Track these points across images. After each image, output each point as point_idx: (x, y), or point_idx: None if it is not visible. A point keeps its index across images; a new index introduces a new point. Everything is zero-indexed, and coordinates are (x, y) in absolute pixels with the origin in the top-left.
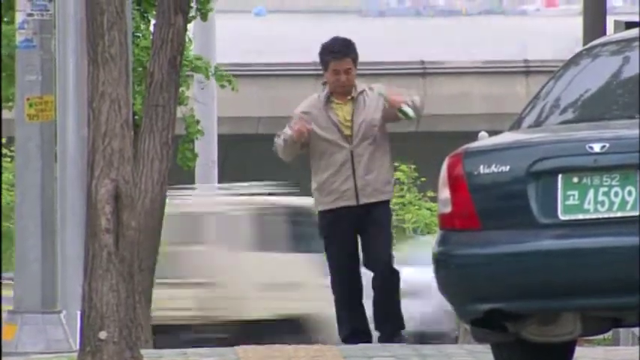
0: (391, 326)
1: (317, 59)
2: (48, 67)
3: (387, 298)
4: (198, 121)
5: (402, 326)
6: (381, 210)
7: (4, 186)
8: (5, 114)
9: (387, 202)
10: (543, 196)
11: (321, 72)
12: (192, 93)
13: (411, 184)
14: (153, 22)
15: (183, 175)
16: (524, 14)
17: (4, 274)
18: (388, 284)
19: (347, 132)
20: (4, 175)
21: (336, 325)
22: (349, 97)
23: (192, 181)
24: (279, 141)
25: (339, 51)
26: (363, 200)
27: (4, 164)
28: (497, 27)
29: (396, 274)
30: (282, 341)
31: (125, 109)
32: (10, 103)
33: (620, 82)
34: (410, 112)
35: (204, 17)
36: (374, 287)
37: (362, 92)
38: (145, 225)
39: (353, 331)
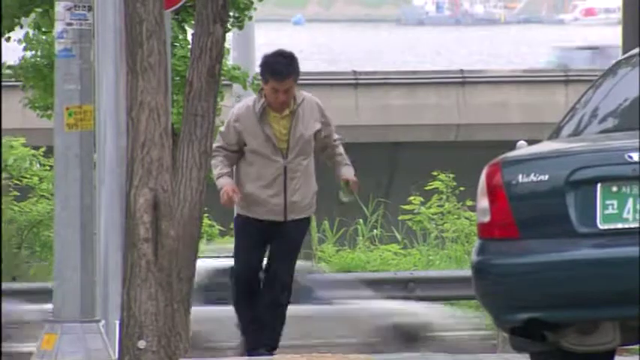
0: (266, 339)
1: (356, 68)
2: (87, 76)
3: (271, 313)
4: None
5: (274, 346)
6: (299, 226)
7: (44, 194)
8: (45, 123)
9: (309, 218)
10: (582, 205)
11: (359, 81)
12: (231, 103)
13: (449, 194)
14: (191, 31)
15: None
16: (562, 23)
17: (43, 284)
18: (277, 301)
19: (282, 145)
20: (44, 184)
21: (237, 317)
22: (287, 111)
23: None
24: (214, 171)
25: (280, 73)
26: (290, 217)
27: (44, 173)
28: (536, 36)
29: (287, 294)
30: None
31: (164, 117)
32: (49, 111)
33: None
34: (345, 199)
35: (240, 26)
36: (264, 300)
37: (300, 104)
38: (183, 234)
39: (253, 344)
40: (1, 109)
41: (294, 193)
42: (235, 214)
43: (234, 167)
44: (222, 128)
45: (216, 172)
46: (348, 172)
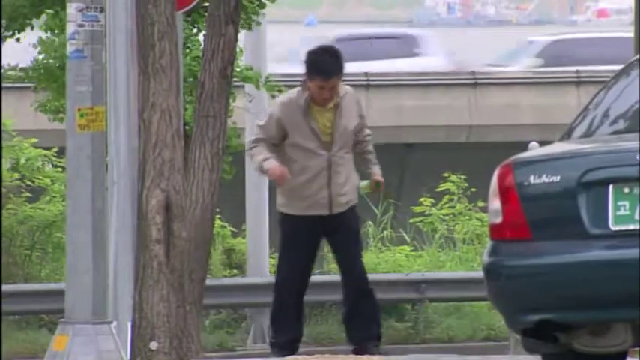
0: (371, 330)
1: (368, 69)
2: (99, 77)
3: (367, 304)
4: (239, 135)
5: (379, 334)
6: (350, 217)
7: (55, 196)
8: (56, 124)
9: (355, 206)
10: (594, 206)
11: (371, 82)
12: (243, 104)
13: (460, 195)
14: (202, 32)
15: (232, 183)
16: (574, 24)
17: (55, 285)
18: (367, 291)
19: (326, 139)
20: (56, 186)
21: (270, 326)
22: (331, 105)
23: (243, 190)
24: (255, 159)
25: (327, 72)
26: (336, 210)
27: (56, 175)
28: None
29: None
30: None
31: (176, 119)
32: (61, 115)
33: None
34: (363, 192)
35: (249, 27)
36: (351, 296)
37: (343, 97)
38: (195, 235)
39: (289, 341)
40: (0, 109)
41: (339, 185)
42: (279, 214)
43: None
44: (261, 122)
45: (259, 158)
46: (378, 171)
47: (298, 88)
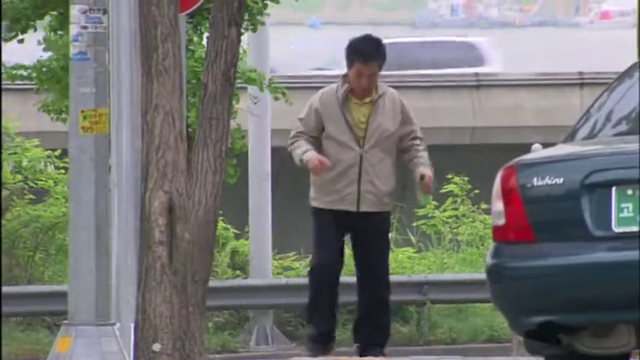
0: (377, 338)
1: None
2: (102, 79)
3: (379, 311)
4: (243, 137)
5: (384, 343)
6: (380, 219)
7: (59, 198)
8: (59, 126)
9: (388, 212)
10: (597, 208)
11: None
12: (246, 106)
13: (464, 197)
14: (205, 34)
15: (235, 185)
16: (577, 26)
17: (58, 286)
18: (382, 298)
19: (359, 134)
20: (59, 187)
21: (307, 320)
22: (368, 100)
23: (246, 193)
24: (295, 152)
25: (367, 55)
26: (363, 208)
27: (59, 176)
28: (551, 39)
29: (389, 289)
30: None
31: (179, 121)
32: (64, 115)
33: None
34: (421, 198)
35: (253, 29)
36: (364, 299)
37: (382, 95)
38: (198, 237)
39: (322, 334)
40: (0, 110)
41: (369, 183)
42: (311, 207)
43: None
44: (300, 115)
45: (299, 151)
46: (425, 169)
47: (339, 81)
